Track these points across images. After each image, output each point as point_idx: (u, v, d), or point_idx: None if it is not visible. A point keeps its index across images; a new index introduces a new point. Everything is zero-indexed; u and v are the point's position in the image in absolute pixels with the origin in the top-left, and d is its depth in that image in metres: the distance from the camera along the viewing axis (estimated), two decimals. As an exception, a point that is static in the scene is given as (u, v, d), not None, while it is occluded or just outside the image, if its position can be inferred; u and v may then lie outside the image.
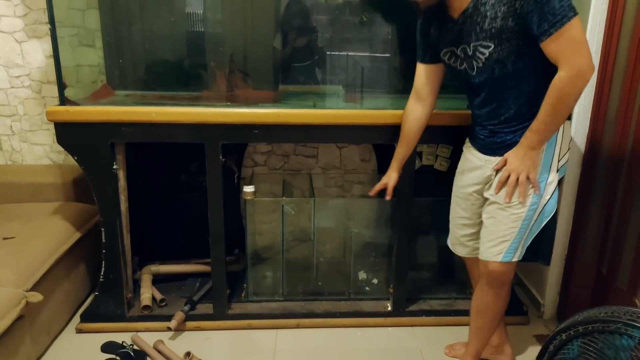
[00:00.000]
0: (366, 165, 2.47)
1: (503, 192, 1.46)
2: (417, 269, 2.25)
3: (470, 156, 1.60)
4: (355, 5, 2.18)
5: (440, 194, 1.95)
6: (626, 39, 1.74)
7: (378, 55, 2.23)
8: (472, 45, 1.39)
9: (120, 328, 1.96)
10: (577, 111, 1.89)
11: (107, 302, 1.96)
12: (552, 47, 1.27)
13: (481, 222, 1.60)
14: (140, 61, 2.16)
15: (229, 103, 2.05)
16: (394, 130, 1.83)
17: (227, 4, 2.19)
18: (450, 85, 1.75)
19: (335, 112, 1.83)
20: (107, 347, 1.87)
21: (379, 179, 2.44)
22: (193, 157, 2.20)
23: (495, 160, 1.50)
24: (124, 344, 1.87)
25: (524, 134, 1.40)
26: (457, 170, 1.68)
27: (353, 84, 2.22)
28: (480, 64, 1.40)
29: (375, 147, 2.41)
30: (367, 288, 2.19)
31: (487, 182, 1.56)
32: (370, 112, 1.83)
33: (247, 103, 2.05)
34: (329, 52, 2.19)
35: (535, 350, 1.91)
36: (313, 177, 2.40)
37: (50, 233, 1.91)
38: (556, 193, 1.49)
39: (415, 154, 1.92)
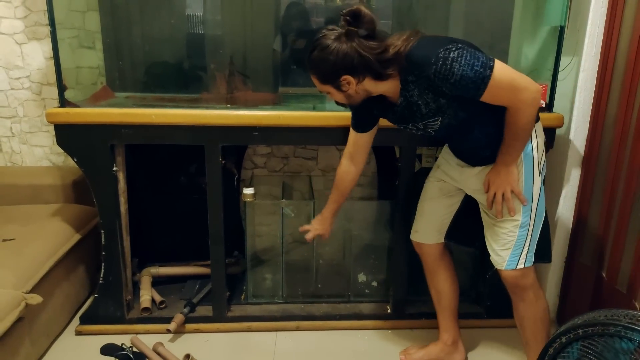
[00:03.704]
0: (366, 167, 2.46)
1: (494, 209, 1.52)
2: (417, 271, 2.25)
3: (448, 158, 1.66)
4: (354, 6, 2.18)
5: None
6: (626, 41, 1.74)
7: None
8: (420, 123, 1.45)
9: (120, 330, 1.96)
10: (576, 113, 1.90)
11: (106, 304, 1.96)
12: (489, 100, 1.32)
13: (448, 207, 1.71)
14: (140, 63, 2.16)
15: (228, 105, 2.05)
16: (394, 132, 1.83)
17: (227, 6, 2.19)
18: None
19: (335, 114, 1.83)
20: (107, 349, 1.86)
21: (378, 181, 2.46)
22: (193, 159, 2.20)
23: (473, 169, 1.56)
24: (124, 346, 1.86)
25: (498, 155, 1.46)
26: (434, 167, 1.74)
27: (353, 86, 2.21)
28: (437, 127, 1.45)
29: (374, 150, 2.41)
30: (366, 290, 2.19)
31: (462, 185, 1.63)
32: (370, 115, 1.83)
33: (247, 105, 2.05)
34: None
35: (535, 352, 1.91)
36: (313, 179, 2.40)
37: (49, 235, 1.91)
38: (542, 193, 1.53)
39: (415, 157, 1.92)
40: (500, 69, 1.29)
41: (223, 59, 2.15)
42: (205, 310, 2.03)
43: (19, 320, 1.59)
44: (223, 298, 2.00)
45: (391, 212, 2.03)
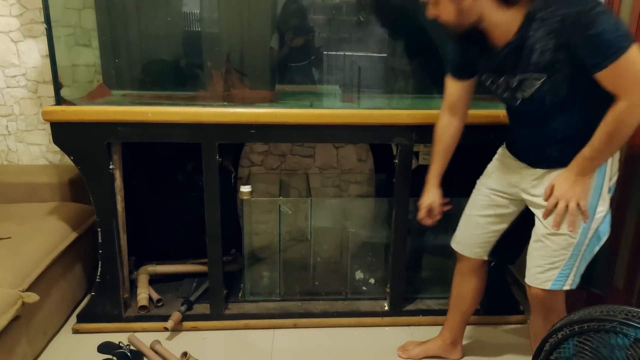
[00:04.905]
0: (363, 165, 2.47)
1: (551, 219, 1.36)
2: (414, 268, 2.26)
3: (507, 161, 1.53)
4: (352, 4, 2.18)
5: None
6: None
7: (375, 55, 2.23)
8: (517, 76, 1.30)
9: (117, 328, 1.96)
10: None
11: (103, 303, 1.96)
12: (608, 79, 1.18)
13: (496, 224, 1.58)
14: (137, 61, 2.16)
15: (225, 103, 2.04)
16: (391, 130, 1.84)
17: (224, 3, 2.19)
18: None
19: (332, 112, 1.83)
20: (104, 348, 1.86)
21: (375, 179, 2.46)
22: (190, 157, 2.20)
23: (535, 171, 1.42)
24: (121, 344, 1.86)
25: (574, 159, 1.30)
26: (485, 172, 1.62)
27: (350, 83, 2.22)
28: (528, 95, 1.30)
29: (372, 147, 2.42)
30: (364, 288, 2.19)
31: (521, 190, 1.48)
32: (367, 112, 1.83)
33: (244, 103, 2.05)
34: (326, 52, 2.19)
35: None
36: (310, 177, 2.40)
37: (46, 233, 1.90)
38: (609, 215, 1.37)
39: (412, 154, 1.92)
40: (637, 53, 1.14)
41: (220, 57, 2.15)
42: (202, 308, 2.03)
43: (16, 318, 1.58)
44: (220, 296, 2.00)
45: (388, 209, 2.03)
